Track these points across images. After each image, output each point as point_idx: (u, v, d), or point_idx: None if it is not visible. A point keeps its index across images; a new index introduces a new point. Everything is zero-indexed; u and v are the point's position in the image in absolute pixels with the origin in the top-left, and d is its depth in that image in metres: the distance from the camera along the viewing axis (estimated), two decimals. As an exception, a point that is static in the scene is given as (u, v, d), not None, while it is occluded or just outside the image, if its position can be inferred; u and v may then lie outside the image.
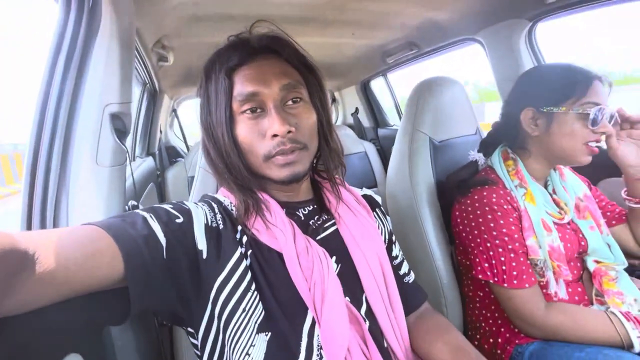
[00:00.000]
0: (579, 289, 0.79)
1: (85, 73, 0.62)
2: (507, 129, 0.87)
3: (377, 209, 0.71)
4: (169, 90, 2.43)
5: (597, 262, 0.81)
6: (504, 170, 0.83)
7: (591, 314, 0.72)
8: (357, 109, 2.86)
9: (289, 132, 0.51)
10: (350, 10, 1.25)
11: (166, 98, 2.48)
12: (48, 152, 0.59)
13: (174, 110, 2.97)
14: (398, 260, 0.70)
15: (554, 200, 0.83)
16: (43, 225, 0.58)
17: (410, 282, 0.69)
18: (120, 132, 0.69)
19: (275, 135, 0.51)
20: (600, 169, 1.00)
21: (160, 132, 2.56)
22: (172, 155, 2.84)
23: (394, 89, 2.54)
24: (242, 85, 0.53)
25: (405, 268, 0.70)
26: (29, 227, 0.58)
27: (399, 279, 0.67)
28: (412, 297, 0.68)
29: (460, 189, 0.86)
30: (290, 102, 0.54)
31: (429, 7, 1.25)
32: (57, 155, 0.59)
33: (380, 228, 0.67)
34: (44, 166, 0.58)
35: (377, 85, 2.67)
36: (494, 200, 0.78)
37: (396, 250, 0.71)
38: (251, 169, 0.55)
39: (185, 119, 3.02)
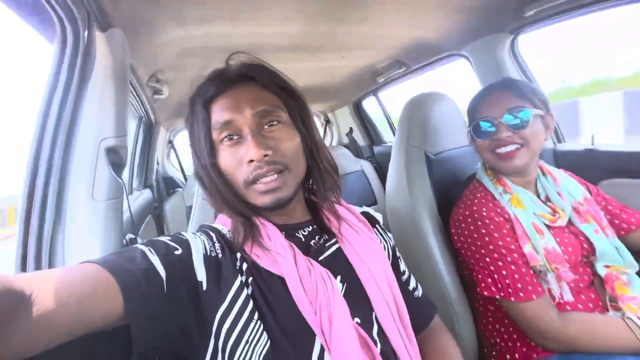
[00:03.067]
0: (592, 295, 0.77)
1: (80, 109, 0.63)
2: None
3: (377, 225, 0.70)
4: (164, 122, 2.46)
5: (607, 266, 0.80)
6: (488, 178, 0.86)
7: (608, 321, 0.70)
8: (351, 129, 2.90)
9: (266, 155, 0.51)
10: (338, 35, 1.30)
11: (162, 130, 2.51)
12: (43, 189, 0.59)
13: (170, 142, 3.00)
14: (406, 276, 0.69)
15: (549, 207, 0.82)
16: (38, 265, 0.56)
17: (419, 296, 0.68)
18: (117, 166, 0.69)
19: (251, 161, 0.52)
20: (599, 170, 1.00)
21: (157, 163, 2.57)
22: (170, 186, 2.84)
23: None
24: (217, 115, 0.54)
25: (413, 282, 0.69)
26: (23, 266, 0.57)
27: (409, 294, 0.66)
28: (423, 311, 0.67)
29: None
30: (266, 127, 0.55)
31: (415, 27, 1.30)
32: (53, 193, 0.59)
33: (382, 244, 0.66)
34: (39, 203, 0.58)
35: (370, 104, 2.72)
36: (484, 214, 0.78)
37: (402, 265, 0.69)
38: (239, 196, 0.55)
39: (181, 150, 3.04)
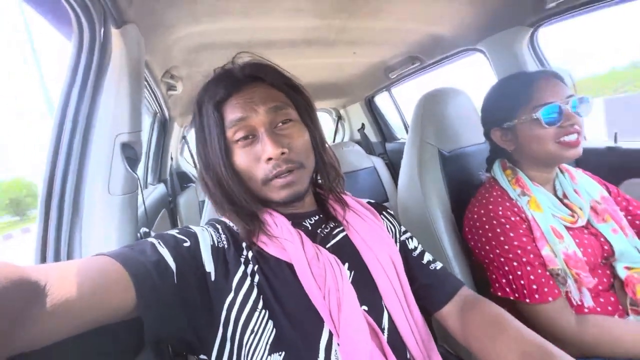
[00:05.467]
0: (612, 299, 0.74)
1: (97, 105, 0.64)
2: (494, 148, 0.90)
3: (383, 212, 0.70)
4: (178, 118, 2.49)
5: (629, 268, 0.77)
6: (505, 179, 0.82)
7: (628, 326, 0.67)
8: (363, 125, 2.88)
9: (283, 153, 0.53)
10: (351, 30, 1.28)
11: (176, 126, 2.54)
12: (62, 184, 0.60)
13: (184, 137, 3.04)
14: (418, 251, 0.66)
15: (566, 205, 0.80)
16: (57, 258, 0.58)
17: (437, 268, 0.64)
18: (132, 161, 0.70)
19: (270, 159, 0.52)
20: (622, 170, 0.96)
21: (171, 158, 2.61)
22: (183, 180, 2.88)
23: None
24: (231, 114, 0.55)
25: (428, 256, 0.66)
26: (43, 260, 0.58)
27: (424, 268, 0.64)
28: (445, 284, 0.63)
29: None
30: (280, 124, 0.56)
31: (430, 21, 1.27)
32: (71, 187, 0.61)
33: (389, 229, 0.66)
34: (57, 198, 0.59)
35: (382, 100, 2.69)
36: (500, 213, 0.76)
37: (414, 242, 0.68)
38: (252, 193, 0.56)
39: (194, 145, 3.08)
